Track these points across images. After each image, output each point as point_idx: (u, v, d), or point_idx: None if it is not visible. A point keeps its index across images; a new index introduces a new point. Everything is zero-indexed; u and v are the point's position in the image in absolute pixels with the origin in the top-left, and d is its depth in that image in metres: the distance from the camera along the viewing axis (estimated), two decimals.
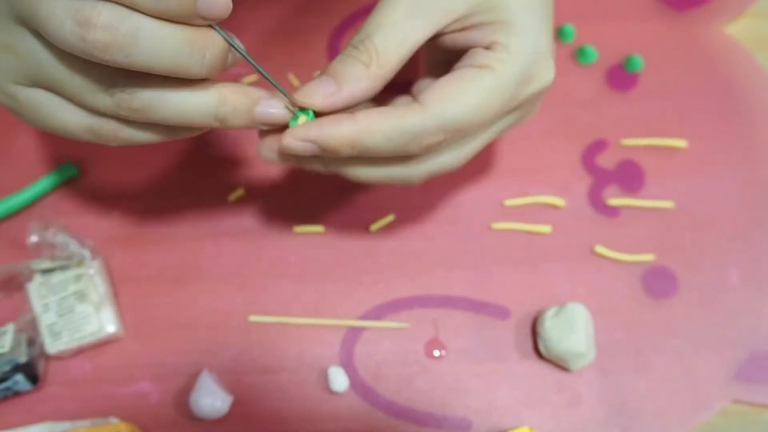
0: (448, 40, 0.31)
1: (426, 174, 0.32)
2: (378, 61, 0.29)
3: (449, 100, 0.28)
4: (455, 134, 0.29)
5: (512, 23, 0.30)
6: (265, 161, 0.33)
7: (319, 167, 0.32)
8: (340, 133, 0.28)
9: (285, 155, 0.31)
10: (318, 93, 0.29)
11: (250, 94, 0.28)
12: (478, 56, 0.30)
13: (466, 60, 0.30)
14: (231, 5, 0.25)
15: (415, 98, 0.30)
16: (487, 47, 0.30)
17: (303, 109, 0.29)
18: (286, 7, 0.48)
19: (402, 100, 0.34)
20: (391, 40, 0.29)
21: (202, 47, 0.25)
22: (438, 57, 0.34)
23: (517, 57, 0.29)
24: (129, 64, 0.24)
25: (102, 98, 0.26)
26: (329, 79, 0.29)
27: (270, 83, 0.29)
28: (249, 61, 0.28)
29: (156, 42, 0.24)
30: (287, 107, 0.29)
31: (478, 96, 0.29)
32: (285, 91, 0.29)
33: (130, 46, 0.23)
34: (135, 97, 0.26)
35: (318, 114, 0.29)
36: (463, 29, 0.30)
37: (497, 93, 0.29)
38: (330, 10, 0.48)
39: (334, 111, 0.29)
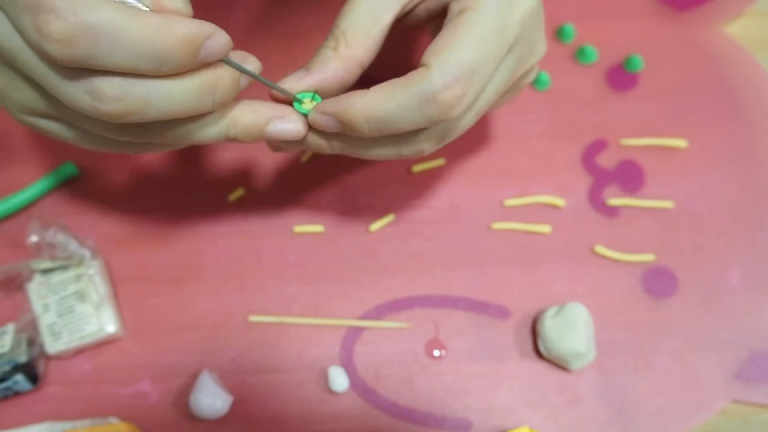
0: (422, 11, 0.32)
1: (436, 139, 0.31)
2: (345, 43, 0.30)
3: (445, 50, 0.28)
4: (470, 82, 0.28)
5: None
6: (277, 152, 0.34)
7: (343, 149, 0.32)
8: (353, 105, 0.29)
9: (302, 142, 0.32)
10: (290, 80, 0.30)
11: (261, 113, 0.29)
12: (455, 6, 0.30)
13: (447, 16, 0.30)
14: (231, 42, 0.26)
15: None
16: None
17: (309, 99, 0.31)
18: (286, 7, 0.48)
19: None
20: (356, 22, 0.30)
21: (211, 88, 0.26)
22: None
23: None
24: (143, 120, 0.25)
25: (116, 133, 0.27)
26: (302, 69, 0.31)
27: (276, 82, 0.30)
28: (261, 80, 0.29)
29: (167, 99, 0.25)
30: (300, 124, 0.30)
31: (471, 36, 0.29)
32: (284, 89, 0.30)
33: (143, 109, 0.25)
34: (147, 132, 0.27)
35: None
36: None
37: (487, 26, 0.29)
38: (330, 10, 0.48)
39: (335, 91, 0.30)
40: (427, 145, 0.31)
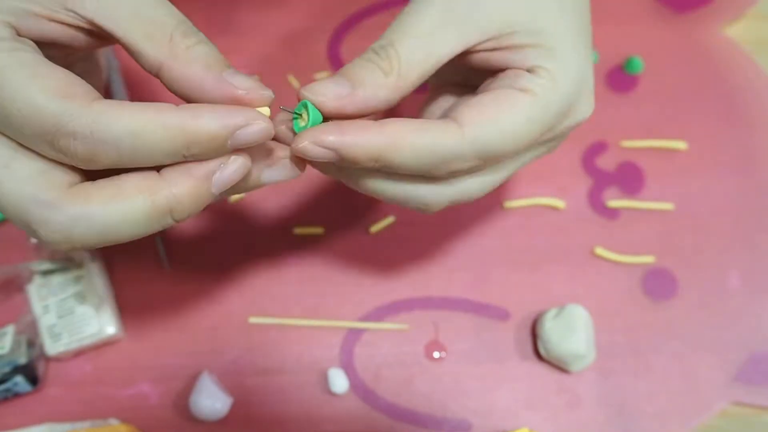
0: (478, 58, 0.28)
1: (447, 201, 0.29)
2: (399, 72, 0.26)
3: (489, 123, 0.26)
4: (488, 161, 0.27)
5: (558, 50, 0.27)
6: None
7: (332, 173, 0.28)
8: (365, 143, 0.25)
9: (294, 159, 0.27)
10: (329, 92, 0.25)
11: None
12: (520, 79, 0.27)
13: (505, 80, 0.27)
14: (269, 129, 0.24)
15: (446, 115, 0.27)
16: (530, 71, 0.27)
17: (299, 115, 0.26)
18: (286, 10, 0.48)
19: (431, 110, 0.31)
20: (417, 51, 0.26)
21: (166, 210, 0.24)
22: (452, 77, 0.31)
23: (562, 86, 0.27)
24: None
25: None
26: (344, 80, 0.26)
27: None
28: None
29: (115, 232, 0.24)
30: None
31: (517, 121, 0.26)
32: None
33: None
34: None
35: (326, 119, 0.26)
36: (498, 49, 0.27)
37: (537, 121, 0.27)
38: (330, 12, 0.48)
39: (342, 116, 0.26)
40: (434, 204, 0.28)
